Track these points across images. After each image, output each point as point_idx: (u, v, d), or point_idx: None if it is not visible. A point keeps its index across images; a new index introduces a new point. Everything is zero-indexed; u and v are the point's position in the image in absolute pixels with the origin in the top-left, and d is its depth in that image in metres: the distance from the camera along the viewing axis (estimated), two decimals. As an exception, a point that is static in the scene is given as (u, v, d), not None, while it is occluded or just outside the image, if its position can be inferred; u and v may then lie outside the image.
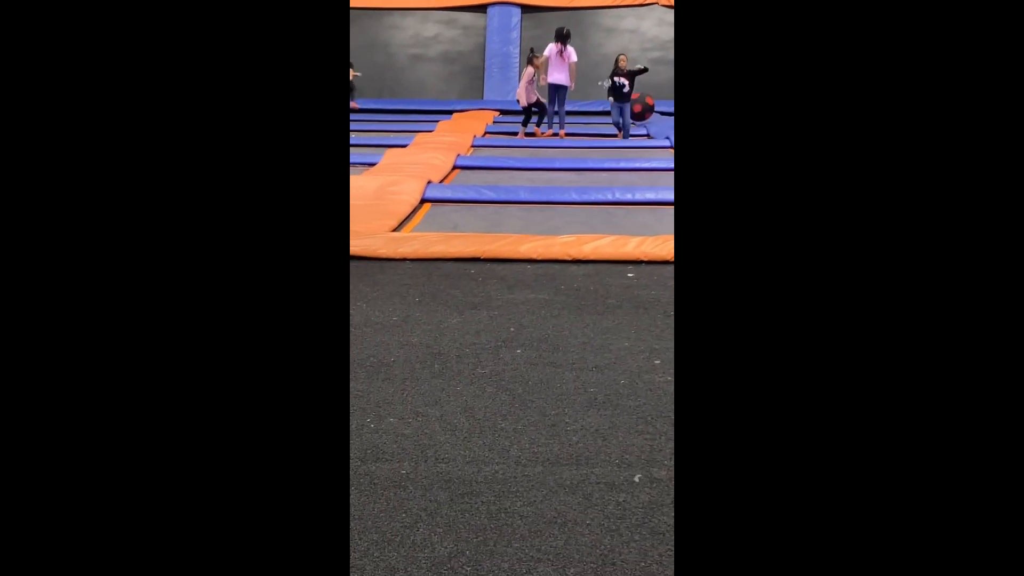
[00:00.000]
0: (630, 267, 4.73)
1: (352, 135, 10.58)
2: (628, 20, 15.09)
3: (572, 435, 2.69)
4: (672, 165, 8.27)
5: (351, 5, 14.38)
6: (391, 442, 2.64)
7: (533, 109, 10.86)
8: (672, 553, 2.05)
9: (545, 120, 10.90)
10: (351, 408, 2.88)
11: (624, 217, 6.10)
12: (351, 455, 2.55)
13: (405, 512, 2.23)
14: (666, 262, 4.76)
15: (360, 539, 2.11)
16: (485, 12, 15.08)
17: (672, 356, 3.38)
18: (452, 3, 15.10)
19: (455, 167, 8.31)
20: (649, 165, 8.30)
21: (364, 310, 3.97)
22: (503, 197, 6.61)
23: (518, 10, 14.98)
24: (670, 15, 14.90)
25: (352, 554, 2.04)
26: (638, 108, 11.54)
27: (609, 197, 6.56)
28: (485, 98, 14.61)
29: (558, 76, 10.48)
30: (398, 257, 4.83)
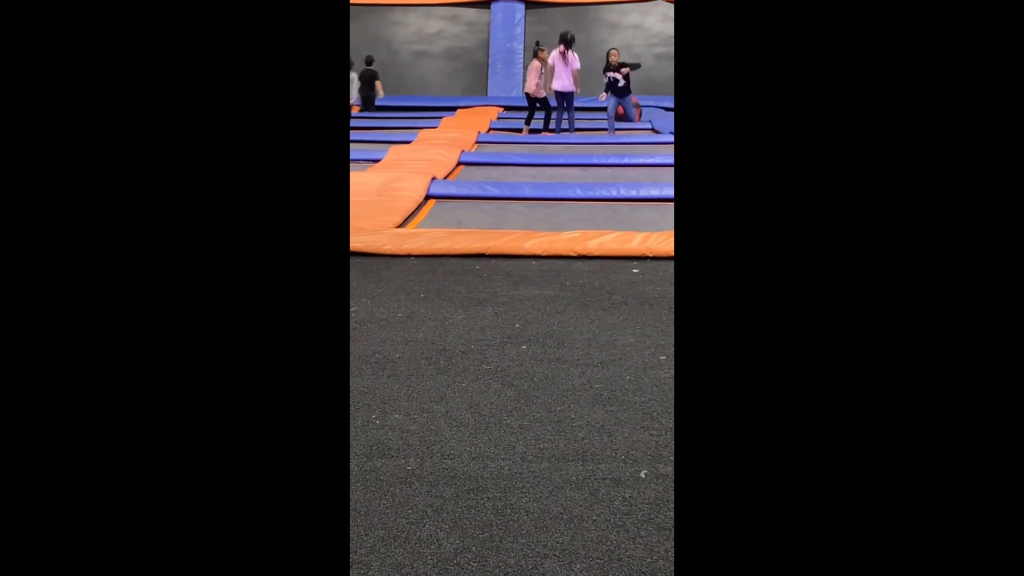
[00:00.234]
0: (635, 263, 4.72)
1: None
2: (632, 16, 15.07)
3: (578, 431, 2.69)
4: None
5: (354, 1, 14.38)
6: (397, 438, 2.64)
7: (537, 105, 10.81)
8: (678, 549, 2.05)
9: (553, 119, 10.86)
10: (357, 404, 2.89)
11: (629, 213, 6.09)
12: (357, 451, 2.55)
13: (411, 508, 2.23)
14: (671, 258, 4.75)
15: (366, 535, 2.11)
16: (489, 8, 15.07)
17: (677, 352, 3.38)
18: (456, -1, 15.09)
19: (459, 163, 8.30)
20: (653, 161, 8.29)
21: (369, 306, 3.97)
22: (507, 193, 6.60)
23: (522, 6, 14.97)
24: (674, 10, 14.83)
25: (358, 550, 2.05)
26: (633, 100, 11.51)
27: (614, 193, 6.56)
28: (489, 94, 14.60)
29: (562, 82, 10.47)
30: (403, 253, 4.83)
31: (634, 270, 4.59)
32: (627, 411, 2.83)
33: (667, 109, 12.83)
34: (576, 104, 11.07)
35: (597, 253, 4.81)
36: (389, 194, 6.25)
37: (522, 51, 14.76)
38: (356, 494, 2.29)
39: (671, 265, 4.65)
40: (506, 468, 2.45)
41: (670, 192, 6.53)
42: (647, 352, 3.38)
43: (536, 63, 10.77)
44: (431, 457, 2.52)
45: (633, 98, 11.42)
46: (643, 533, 2.12)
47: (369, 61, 13.03)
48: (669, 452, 2.54)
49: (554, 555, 2.03)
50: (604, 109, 13.62)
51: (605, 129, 10.91)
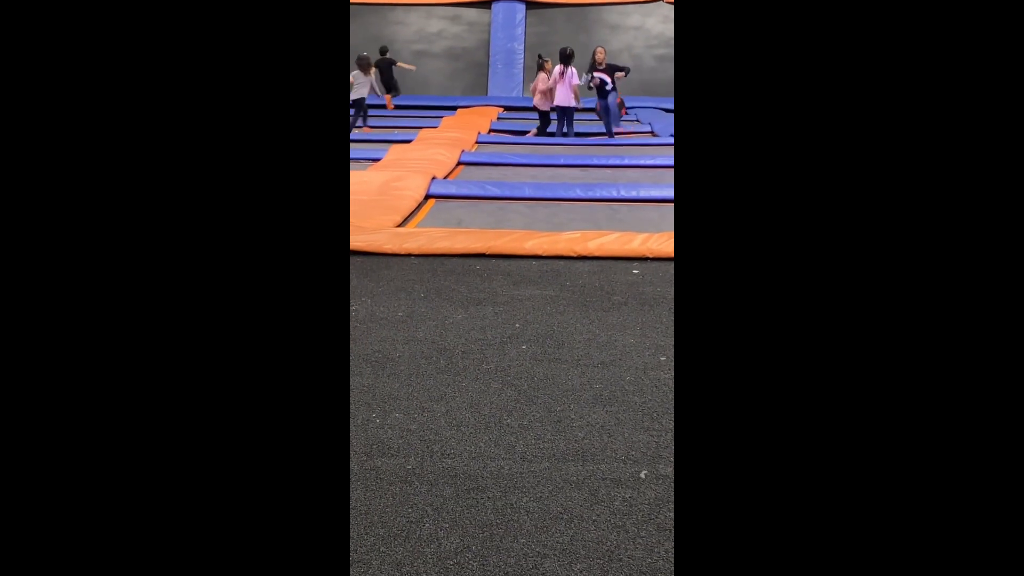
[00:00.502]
0: (635, 264, 4.72)
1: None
2: (633, 17, 15.08)
3: (578, 431, 2.69)
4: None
5: (355, 1, 14.38)
6: (397, 437, 2.64)
7: (551, 116, 10.79)
8: (678, 549, 2.06)
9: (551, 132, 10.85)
10: (357, 403, 2.88)
11: (629, 214, 6.09)
12: (357, 450, 2.55)
13: (411, 507, 2.23)
14: (671, 259, 4.75)
15: (366, 534, 2.11)
16: (489, 8, 15.07)
17: (677, 353, 3.38)
18: (456, -1, 15.09)
19: (459, 163, 8.30)
20: (654, 162, 8.29)
21: (369, 305, 3.97)
22: (508, 193, 6.60)
23: (522, 6, 14.97)
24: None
25: (358, 549, 2.05)
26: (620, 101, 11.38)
27: (614, 194, 6.56)
28: (489, 94, 14.60)
29: (563, 98, 10.46)
30: (403, 253, 4.83)
31: (634, 271, 4.59)
32: (627, 411, 2.83)
33: (667, 111, 12.83)
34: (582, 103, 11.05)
35: (597, 254, 4.81)
36: (389, 193, 6.25)
37: (523, 52, 14.76)
38: (356, 493, 2.29)
39: (671, 266, 4.65)
40: (506, 468, 2.45)
41: (670, 193, 6.53)
42: (647, 353, 3.38)
43: (542, 75, 10.75)
44: (431, 456, 2.52)
45: (618, 97, 11.17)
46: (643, 533, 2.12)
47: (384, 51, 13.09)
48: (669, 452, 2.54)
49: (554, 555, 2.03)
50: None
51: (603, 132, 10.85)
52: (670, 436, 2.65)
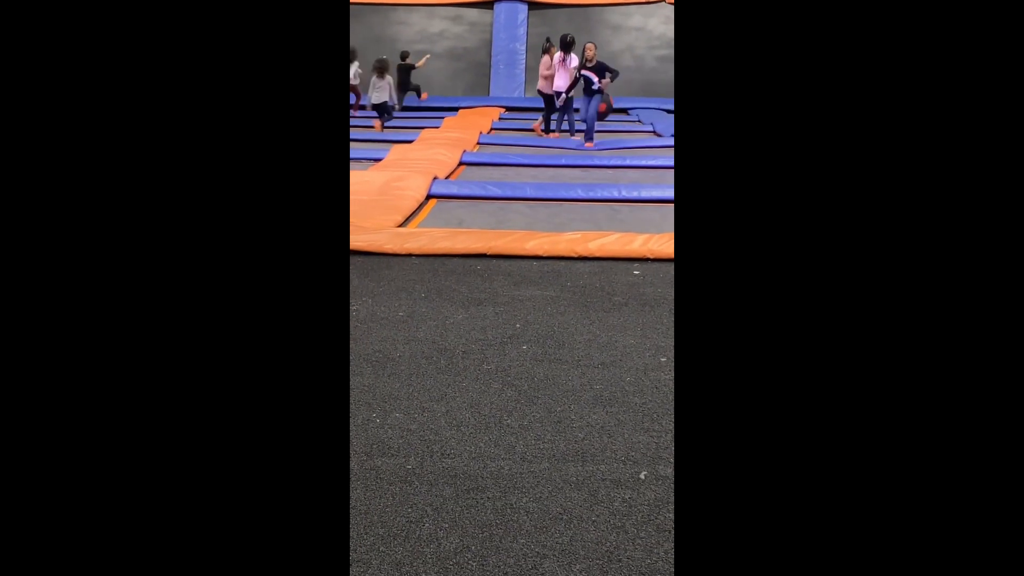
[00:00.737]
0: (636, 264, 4.72)
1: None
2: (635, 18, 15.08)
3: (578, 432, 2.69)
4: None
5: (357, 1, 14.38)
6: (397, 437, 2.64)
7: (555, 103, 10.77)
8: (678, 550, 2.06)
9: (554, 120, 10.83)
10: (357, 403, 2.89)
11: (630, 214, 6.09)
12: (357, 450, 2.55)
13: (411, 507, 2.24)
14: (672, 260, 4.76)
15: (366, 534, 2.11)
16: (491, 8, 15.07)
17: (678, 354, 3.38)
18: (459, -1, 15.10)
19: (461, 163, 8.31)
20: (655, 163, 8.29)
21: (370, 305, 3.98)
22: (509, 193, 6.60)
23: (524, 7, 14.97)
24: (677, 13, 14.84)
25: (358, 548, 2.05)
26: (602, 107, 11.16)
27: (615, 194, 6.56)
28: (491, 95, 14.60)
29: (562, 83, 10.44)
30: (404, 253, 4.83)
31: (635, 272, 4.60)
32: (627, 412, 2.84)
33: (668, 111, 12.83)
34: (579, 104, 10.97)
35: (598, 254, 4.81)
36: (391, 193, 6.25)
37: (524, 52, 14.76)
38: (356, 492, 2.30)
39: (672, 267, 4.65)
40: (506, 468, 2.45)
41: (672, 194, 6.53)
42: (647, 354, 3.39)
43: (546, 59, 10.74)
44: (431, 456, 2.52)
45: (602, 103, 10.66)
46: (643, 534, 2.12)
47: (404, 55, 13.21)
48: (669, 453, 2.55)
49: (553, 555, 2.03)
50: (622, 110, 13.53)
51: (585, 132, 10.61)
52: (670, 437, 2.65)
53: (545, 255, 4.81)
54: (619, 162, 8.32)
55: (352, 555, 2.01)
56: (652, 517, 2.20)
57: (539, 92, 10.86)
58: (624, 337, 3.58)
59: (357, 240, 4.86)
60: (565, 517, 2.19)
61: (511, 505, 2.25)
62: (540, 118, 10.93)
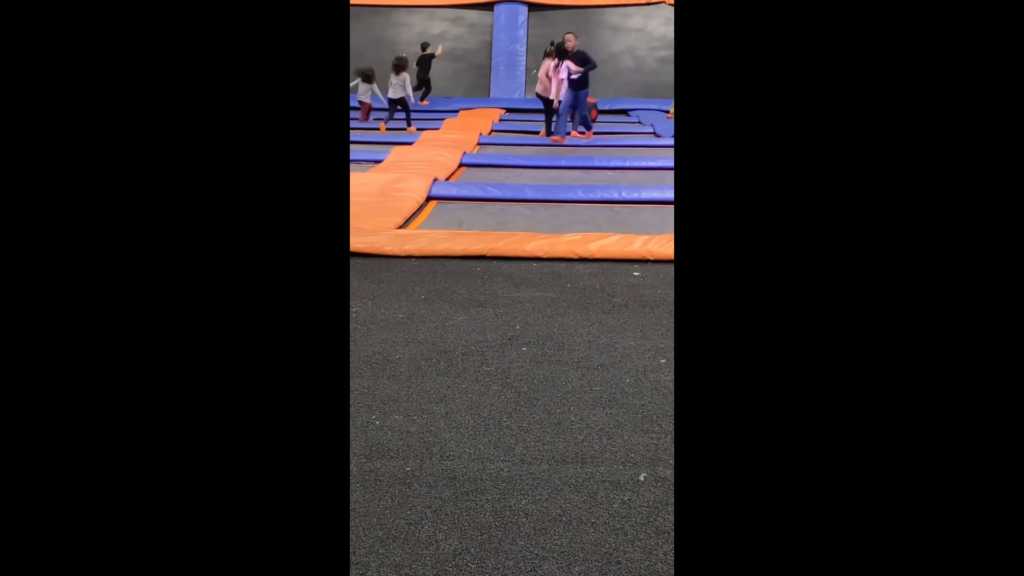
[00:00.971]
0: (636, 266, 4.72)
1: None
2: (635, 19, 15.08)
3: (577, 433, 2.69)
4: (678, 164, 8.25)
5: (358, 2, 14.38)
6: (396, 439, 2.64)
7: (554, 107, 10.77)
8: (677, 552, 2.06)
9: (555, 121, 10.82)
10: (356, 405, 2.89)
11: (630, 216, 6.09)
12: (356, 452, 2.55)
13: (410, 509, 2.23)
14: (672, 261, 4.75)
15: (365, 536, 2.11)
16: (492, 10, 15.08)
17: (678, 355, 3.38)
18: (459, 1, 15.11)
19: (461, 165, 8.31)
20: (655, 164, 8.29)
21: (370, 307, 3.98)
22: (509, 195, 6.61)
23: (525, 8, 14.97)
24: (677, 14, 14.84)
25: (357, 551, 2.05)
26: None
27: (615, 196, 6.56)
28: (491, 96, 14.61)
29: (554, 90, 10.42)
30: (404, 254, 4.83)
31: (635, 273, 4.60)
32: (627, 414, 2.83)
33: (669, 113, 12.82)
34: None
35: (598, 256, 4.81)
36: (390, 195, 6.25)
37: (524, 53, 14.77)
38: (355, 495, 2.30)
39: (672, 268, 4.65)
40: (505, 470, 2.45)
41: (672, 195, 6.53)
42: (647, 355, 3.38)
43: (547, 61, 10.73)
44: (430, 458, 2.52)
45: (590, 98, 10.50)
46: (642, 536, 2.12)
47: (424, 46, 13.31)
48: (668, 455, 2.55)
49: (552, 557, 2.03)
50: (622, 111, 13.49)
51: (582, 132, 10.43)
52: (669, 439, 2.65)
53: (545, 256, 4.81)
54: (619, 163, 8.32)
55: (351, 557, 2.01)
56: (651, 519, 2.20)
57: (537, 95, 10.85)
58: (624, 339, 3.58)
59: (357, 242, 4.86)
60: (564, 519, 2.19)
61: (510, 507, 2.25)
62: (543, 127, 10.90)
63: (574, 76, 9.66)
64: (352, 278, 4.37)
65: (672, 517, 2.20)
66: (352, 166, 7.69)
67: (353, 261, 4.68)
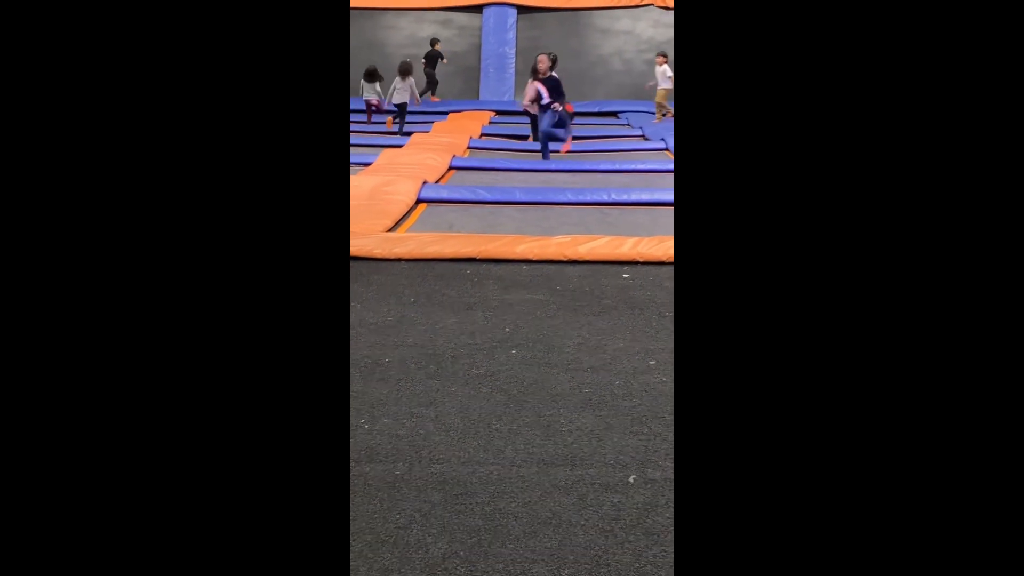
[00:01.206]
0: (625, 268, 4.73)
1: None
2: (624, 21, 15.11)
3: (567, 436, 2.69)
4: (667, 167, 8.28)
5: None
6: (385, 443, 2.63)
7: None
8: (666, 554, 2.05)
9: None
10: (345, 408, 2.88)
11: (619, 218, 6.10)
12: (345, 456, 2.54)
13: (399, 513, 2.23)
14: (661, 263, 4.76)
15: (354, 540, 2.10)
16: (481, 13, 15.08)
17: (667, 357, 3.38)
18: (448, 3, 15.10)
19: (451, 167, 8.30)
20: (644, 166, 8.31)
21: (359, 310, 3.96)
22: (499, 198, 6.60)
23: (514, 11, 14.98)
24: (666, 16, 14.92)
25: (346, 555, 2.04)
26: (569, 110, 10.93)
27: (604, 198, 6.56)
28: (481, 99, 14.60)
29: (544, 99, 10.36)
30: (393, 257, 4.82)
31: (624, 275, 4.60)
32: (616, 416, 2.83)
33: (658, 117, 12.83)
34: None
35: (588, 258, 4.81)
36: (380, 198, 6.24)
37: (514, 56, 14.77)
38: (344, 499, 2.29)
39: (661, 270, 4.66)
40: (495, 473, 2.44)
41: (661, 196, 6.54)
42: (637, 357, 3.39)
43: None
44: (420, 462, 2.51)
45: (568, 105, 9.84)
46: (631, 538, 2.12)
47: (434, 42, 13.40)
48: (658, 457, 2.55)
49: (542, 560, 2.02)
50: (611, 114, 13.47)
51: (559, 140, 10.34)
52: (659, 440, 2.65)
53: (535, 259, 4.81)
54: (608, 166, 8.33)
55: (340, 562, 2.00)
56: (641, 521, 2.19)
57: (524, 110, 10.81)
58: (613, 340, 3.58)
59: (346, 245, 4.85)
60: (554, 522, 2.19)
61: (500, 510, 2.24)
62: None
63: (544, 102, 8.90)
64: (341, 281, 4.35)
65: (662, 519, 2.20)
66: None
67: (342, 264, 4.66)
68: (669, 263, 4.76)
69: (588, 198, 6.57)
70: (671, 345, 3.52)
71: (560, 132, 9.21)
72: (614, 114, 13.53)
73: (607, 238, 5.07)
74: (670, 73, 11.78)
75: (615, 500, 2.30)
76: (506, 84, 14.70)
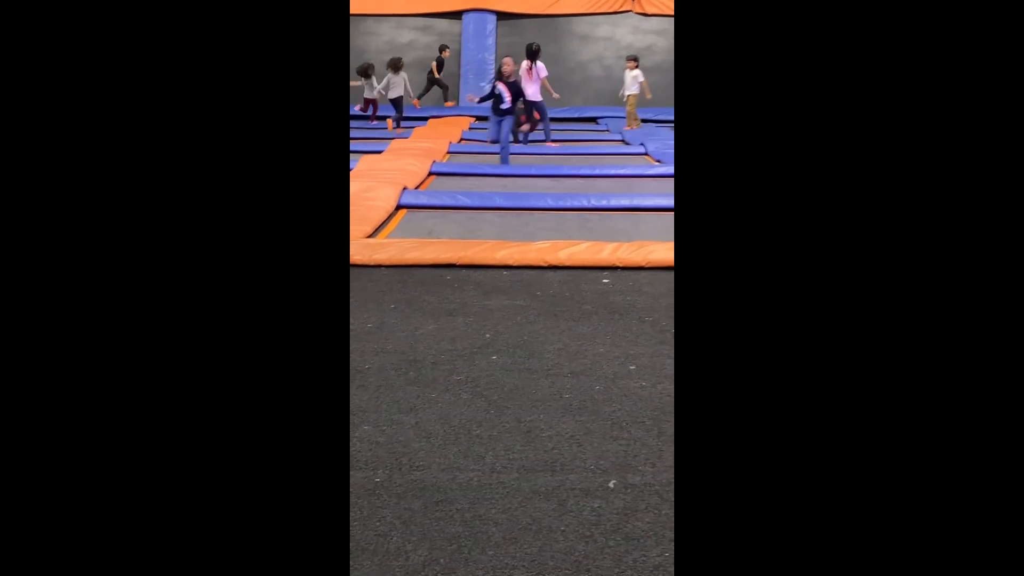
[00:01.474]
0: (605, 273, 4.74)
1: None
2: (603, 28, 15.16)
3: (547, 441, 2.69)
4: (647, 171, 8.31)
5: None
6: (365, 450, 2.62)
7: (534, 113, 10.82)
8: (645, 559, 2.06)
9: (540, 128, 10.85)
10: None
11: (599, 223, 6.11)
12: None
13: (379, 521, 2.22)
14: (641, 268, 4.78)
15: (334, 548, 2.09)
16: (460, 18, 15.09)
17: (647, 362, 3.39)
18: (427, 9, 15.11)
19: (431, 173, 8.30)
20: (624, 172, 8.33)
21: (339, 317, 3.95)
22: (479, 203, 6.60)
23: (493, 16, 15.00)
24: (644, 23, 15.00)
25: (325, 563, 2.03)
26: (524, 119, 10.92)
27: (584, 203, 6.58)
28: (461, 104, 14.60)
29: (532, 93, 10.44)
30: (373, 264, 4.81)
31: (604, 280, 4.61)
32: (596, 421, 2.84)
33: (641, 121, 12.88)
34: (554, 114, 10.93)
35: (568, 263, 4.82)
36: (360, 204, 6.22)
37: (493, 62, 14.78)
38: (324, 507, 2.28)
39: (641, 275, 4.68)
40: (475, 479, 2.44)
41: (641, 202, 6.57)
42: (617, 362, 3.39)
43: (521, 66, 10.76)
44: (400, 469, 2.50)
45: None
46: (611, 543, 2.12)
47: (443, 48, 13.66)
48: (638, 462, 2.55)
49: (522, 566, 2.02)
50: (591, 119, 13.51)
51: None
52: (639, 445, 2.66)
53: (515, 264, 4.82)
54: (588, 171, 8.35)
55: (319, 570, 2.00)
56: (620, 526, 2.20)
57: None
58: (593, 346, 3.59)
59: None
60: (534, 528, 2.19)
61: (480, 516, 2.24)
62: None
63: (505, 107, 8.80)
64: (321, 288, 4.33)
65: (641, 524, 2.21)
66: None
67: (322, 271, 4.65)
68: (649, 268, 4.78)
69: (568, 203, 6.58)
70: (651, 350, 3.54)
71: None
72: (593, 119, 13.58)
73: (587, 243, 5.08)
74: (642, 79, 11.83)
75: (595, 505, 2.30)
76: (486, 90, 14.72)
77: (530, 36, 14.60)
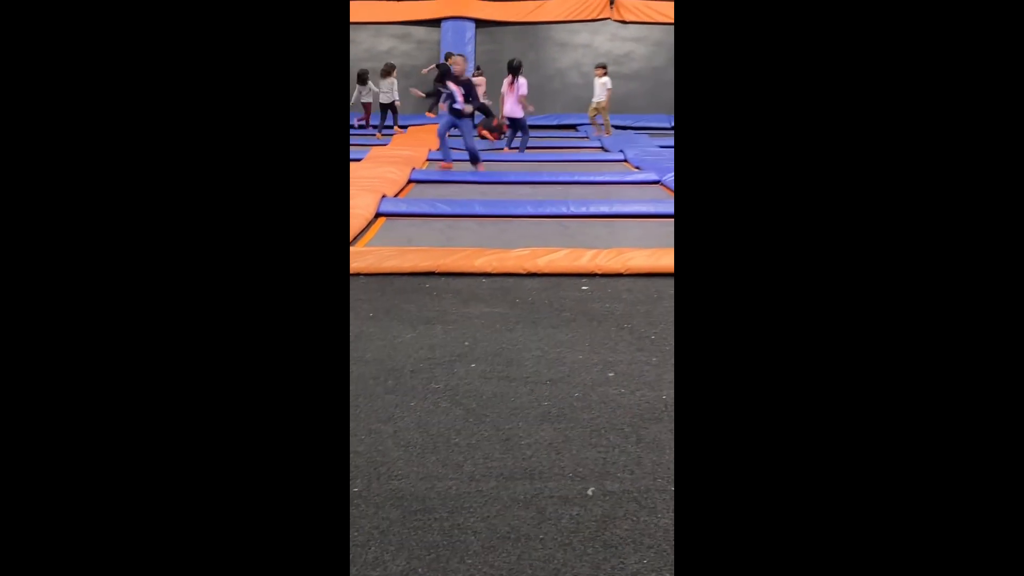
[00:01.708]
0: (584, 280, 4.75)
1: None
2: (582, 35, 15.23)
3: (526, 449, 2.69)
4: (625, 178, 8.34)
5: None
6: (343, 460, 2.61)
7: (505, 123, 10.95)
8: (624, 566, 2.06)
9: (505, 138, 10.93)
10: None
11: (579, 230, 6.13)
12: (302, 474, 2.52)
13: (356, 531, 2.21)
14: (620, 275, 4.79)
15: (311, 559, 2.08)
16: (439, 26, 15.11)
17: (626, 369, 3.40)
18: (406, 17, 15.11)
19: (410, 181, 8.29)
20: (603, 178, 8.36)
21: (317, 326, 3.94)
22: (458, 211, 6.60)
23: (472, 24, 15.03)
24: (623, 30, 15.07)
25: (303, 575, 2.02)
26: (495, 124, 10.92)
27: (563, 210, 6.59)
28: (440, 112, 14.61)
29: (512, 109, 10.51)
30: (352, 272, 4.79)
31: (583, 287, 4.62)
32: (575, 428, 2.84)
33: (619, 128, 12.95)
34: (532, 121, 11.02)
35: (547, 270, 4.83)
36: (338, 212, 6.20)
37: (472, 69, 14.81)
38: (301, 517, 2.26)
39: (620, 282, 4.69)
40: (454, 488, 2.44)
41: (620, 209, 6.59)
42: (596, 369, 3.40)
43: (504, 82, 10.85)
44: (378, 479, 2.49)
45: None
46: (589, 551, 2.12)
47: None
48: (616, 469, 2.56)
49: (501, 575, 2.02)
50: (570, 127, 13.57)
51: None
52: (617, 452, 2.66)
53: (494, 272, 4.82)
54: (567, 178, 8.37)
55: (296, 582, 1.98)
56: (599, 533, 2.20)
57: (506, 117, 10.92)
58: (573, 353, 3.59)
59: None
60: (513, 536, 2.18)
61: (459, 526, 2.23)
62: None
63: (457, 106, 8.70)
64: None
65: (620, 531, 2.21)
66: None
67: (300, 280, 4.63)
68: (627, 275, 4.79)
69: (547, 211, 6.60)
70: (629, 357, 3.54)
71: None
72: (572, 126, 13.63)
73: (566, 250, 5.09)
74: (610, 85, 11.91)
75: (574, 513, 2.30)
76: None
77: (509, 44, 14.65)
